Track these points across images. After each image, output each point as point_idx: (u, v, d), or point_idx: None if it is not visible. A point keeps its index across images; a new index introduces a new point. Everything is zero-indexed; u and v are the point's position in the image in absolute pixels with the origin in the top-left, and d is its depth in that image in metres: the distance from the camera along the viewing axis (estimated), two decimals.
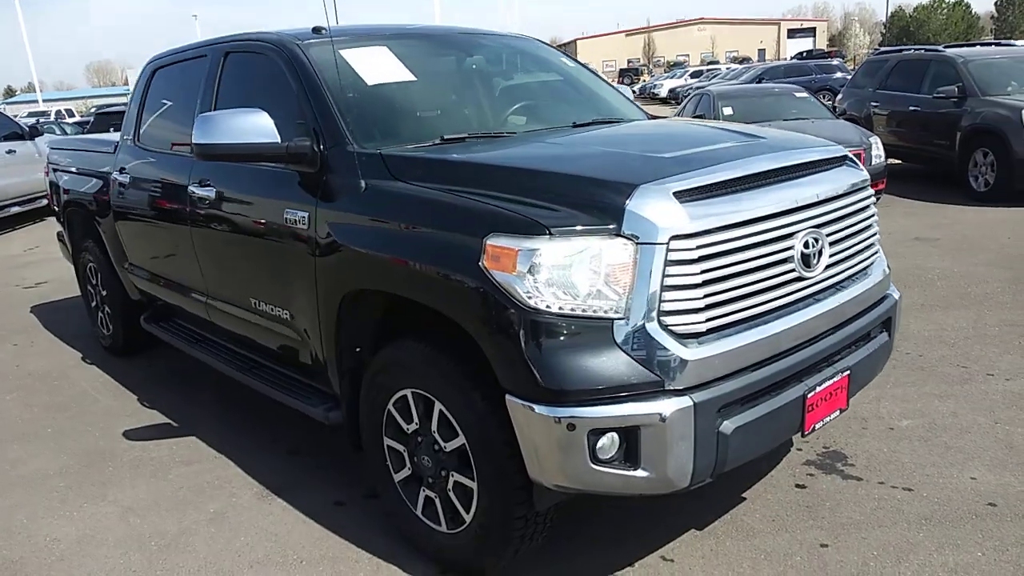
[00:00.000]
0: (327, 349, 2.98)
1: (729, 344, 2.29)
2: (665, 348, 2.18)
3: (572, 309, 2.17)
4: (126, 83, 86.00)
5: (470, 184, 2.46)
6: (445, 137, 2.98)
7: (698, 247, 2.22)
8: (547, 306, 2.16)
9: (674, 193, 2.25)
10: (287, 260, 3.05)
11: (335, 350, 2.94)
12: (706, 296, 2.24)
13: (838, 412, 2.69)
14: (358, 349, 2.91)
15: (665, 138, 3.13)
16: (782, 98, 10.11)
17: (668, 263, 2.18)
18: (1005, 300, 5.40)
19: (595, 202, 2.24)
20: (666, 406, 2.16)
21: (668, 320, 2.20)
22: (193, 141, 2.97)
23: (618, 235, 2.17)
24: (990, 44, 13.19)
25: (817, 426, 2.60)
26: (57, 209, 5.62)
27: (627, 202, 2.20)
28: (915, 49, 11.43)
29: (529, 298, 2.16)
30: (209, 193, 3.49)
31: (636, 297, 2.17)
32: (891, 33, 72.33)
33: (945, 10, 77.63)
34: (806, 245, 2.50)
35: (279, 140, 2.92)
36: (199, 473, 3.57)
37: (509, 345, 2.20)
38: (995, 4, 78.10)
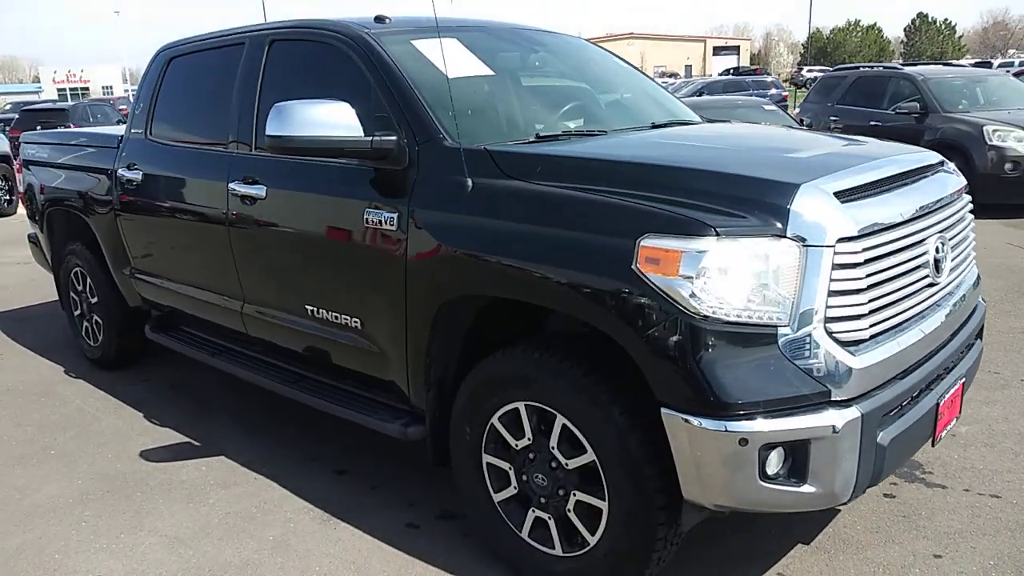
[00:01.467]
0: (413, 359, 2.76)
1: (885, 352, 2.20)
2: (832, 356, 2.07)
3: (738, 316, 2.03)
4: (36, 80, 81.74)
5: (606, 182, 2.30)
6: (540, 134, 2.81)
7: (864, 249, 2.12)
8: (713, 312, 2.02)
9: (834, 193, 2.15)
10: (365, 264, 2.83)
11: (424, 360, 2.72)
12: (870, 301, 2.14)
13: (955, 420, 2.64)
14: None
15: (780, 139, 3.04)
16: (751, 111, 10.22)
17: (835, 267, 2.08)
18: (1007, 308, 5.53)
19: (756, 202, 2.11)
20: (838, 417, 2.04)
21: (833, 327, 2.09)
22: (267, 133, 2.72)
23: (783, 237, 2.05)
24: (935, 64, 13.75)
25: (942, 435, 2.53)
26: (34, 208, 5.16)
27: (791, 202, 2.08)
28: (872, 66, 11.82)
29: (695, 303, 2.01)
30: (257, 192, 3.21)
31: (803, 303, 2.05)
32: (809, 53, 75.28)
33: (859, 33, 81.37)
34: (936, 250, 2.44)
35: (363, 134, 2.70)
36: (241, 497, 3.28)
37: (670, 354, 2.05)
38: (904, 29, 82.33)
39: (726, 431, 2.01)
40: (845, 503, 2.16)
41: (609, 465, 2.27)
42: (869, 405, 2.11)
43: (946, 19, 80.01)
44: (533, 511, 2.54)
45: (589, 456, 2.32)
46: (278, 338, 3.42)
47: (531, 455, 2.50)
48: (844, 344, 2.10)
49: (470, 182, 2.51)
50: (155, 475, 3.50)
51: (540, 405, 2.41)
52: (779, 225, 2.06)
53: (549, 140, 2.78)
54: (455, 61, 3.07)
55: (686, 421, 2.04)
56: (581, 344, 2.39)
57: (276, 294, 3.34)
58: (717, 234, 2.02)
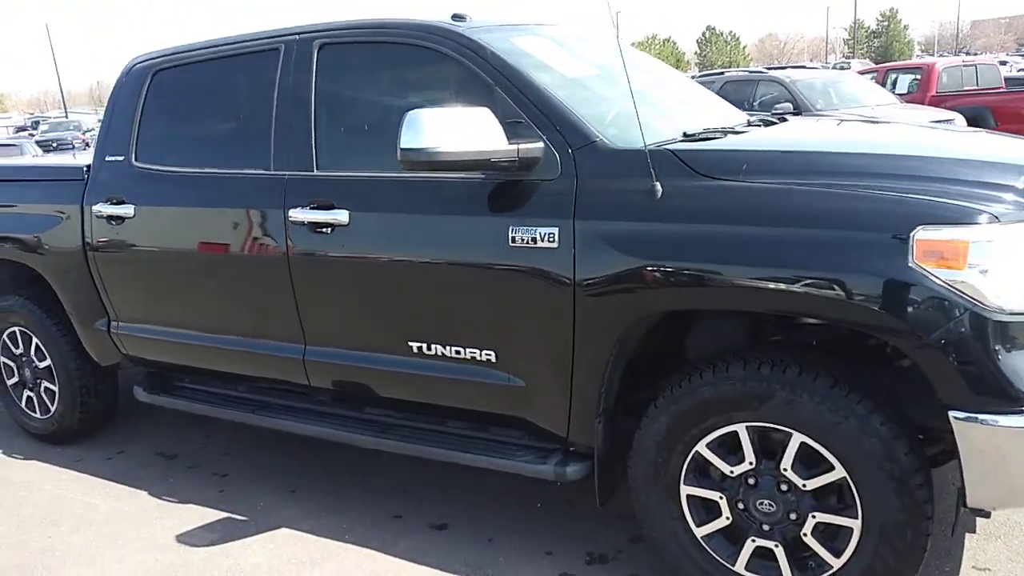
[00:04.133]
0: (580, 388, 2.46)
1: None
2: None
3: (1020, 304, 1.95)
4: None
5: (832, 175, 2.15)
6: (687, 133, 2.61)
7: None
8: (1002, 303, 1.93)
9: None
10: (508, 288, 2.49)
11: (597, 389, 2.44)
12: None
13: None
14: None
15: (924, 130, 3.03)
16: None
17: None
18: None
19: (1004, 186, 2.05)
20: None
21: None
22: (402, 146, 2.33)
23: None
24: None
25: None
26: None
27: None
28: (739, 71, 12.56)
29: (987, 296, 1.91)
30: (335, 217, 2.76)
31: None
32: None
33: (657, 46, 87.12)
34: None
35: (507, 143, 2.39)
36: (343, 572, 2.80)
37: (963, 353, 1.93)
38: (696, 41, 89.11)
39: None
40: None
41: (866, 480, 2.11)
42: None
43: (731, 31, 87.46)
44: (753, 540, 2.33)
45: (836, 474, 2.15)
46: (361, 384, 2.96)
47: (751, 480, 2.29)
48: None
49: (659, 186, 2.27)
50: (216, 562, 2.92)
51: (770, 425, 2.21)
52: None
53: (697, 138, 2.59)
54: (562, 61, 2.82)
55: (985, 422, 1.93)
56: (814, 353, 2.22)
57: (362, 334, 2.89)
58: (998, 220, 1.94)
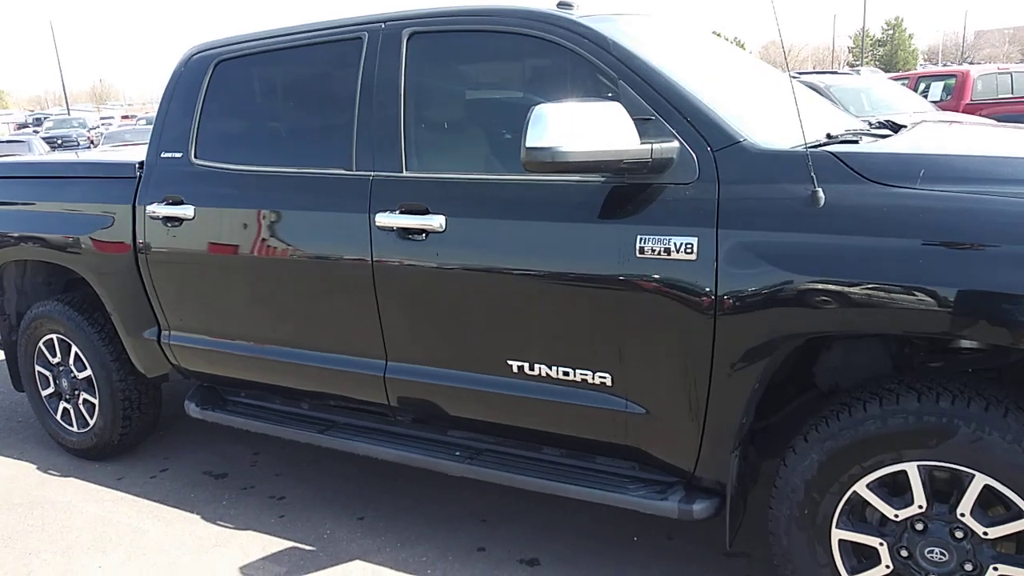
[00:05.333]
0: (718, 419, 2.21)
1: None
2: None
3: None
4: None
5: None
6: (830, 134, 2.36)
7: None
8: None
9: None
10: (634, 302, 2.23)
11: (737, 420, 2.18)
12: None
13: None
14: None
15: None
16: None
17: None
18: None
19: None
20: None
21: None
22: (528, 145, 2.08)
23: None
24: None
25: None
26: None
27: None
28: None
29: None
30: (429, 223, 2.51)
31: None
32: None
33: None
34: None
35: (640, 142, 2.14)
36: None
37: None
38: None
39: None
40: None
41: None
42: None
43: (736, 37, 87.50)
44: None
45: None
46: (448, 405, 2.70)
47: (919, 526, 2.03)
48: None
49: (822, 193, 2.01)
50: None
51: (947, 465, 1.95)
52: None
53: (841, 140, 2.33)
54: (682, 52, 2.57)
55: None
56: (996, 383, 1.97)
57: (453, 350, 2.62)
58: None
